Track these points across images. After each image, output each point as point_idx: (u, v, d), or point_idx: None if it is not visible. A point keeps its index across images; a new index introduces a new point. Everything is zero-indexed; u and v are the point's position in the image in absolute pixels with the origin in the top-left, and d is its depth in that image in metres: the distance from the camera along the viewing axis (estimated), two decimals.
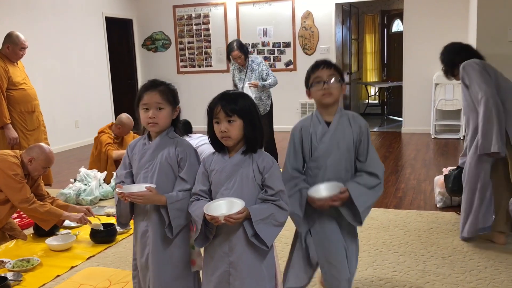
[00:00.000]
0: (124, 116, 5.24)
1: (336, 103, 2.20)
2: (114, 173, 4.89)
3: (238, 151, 1.95)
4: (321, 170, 2.18)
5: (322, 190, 2.11)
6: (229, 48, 5.26)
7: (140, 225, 2.15)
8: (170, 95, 2.08)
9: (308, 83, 2.22)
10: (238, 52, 5.18)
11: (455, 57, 3.32)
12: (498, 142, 3.01)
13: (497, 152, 3.03)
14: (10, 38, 4.53)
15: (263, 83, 5.30)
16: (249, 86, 5.21)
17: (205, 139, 4.25)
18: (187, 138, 4.03)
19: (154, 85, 2.08)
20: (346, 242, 2.24)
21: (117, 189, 2.03)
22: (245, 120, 1.90)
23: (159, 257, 2.08)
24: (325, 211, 2.17)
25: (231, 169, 1.92)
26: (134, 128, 5.32)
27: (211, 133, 1.96)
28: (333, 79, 2.15)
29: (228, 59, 5.41)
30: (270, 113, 5.54)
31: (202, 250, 2.06)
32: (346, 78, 9.19)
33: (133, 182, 2.15)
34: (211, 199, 1.95)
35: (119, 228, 3.76)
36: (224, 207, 1.86)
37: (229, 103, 1.89)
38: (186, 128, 4.22)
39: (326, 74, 2.16)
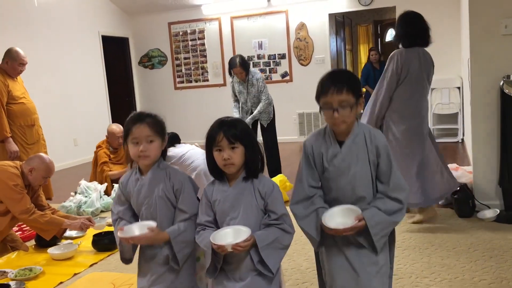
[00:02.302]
0: (113, 125, 5.33)
1: (352, 123, 1.93)
2: (115, 185, 4.90)
3: (238, 178, 1.93)
4: (332, 191, 1.97)
5: (336, 215, 1.89)
6: (231, 64, 5.29)
7: (147, 248, 2.10)
8: (158, 126, 2.05)
9: (319, 102, 1.93)
10: (240, 68, 5.23)
11: (408, 30, 3.57)
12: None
13: None
14: (10, 54, 4.57)
15: (253, 114, 5.36)
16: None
17: (190, 146, 4.25)
18: (172, 149, 4.03)
19: (141, 117, 2.03)
20: (361, 264, 1.93)
21: (119, 233, 1.98)
22: (246, 145, 1.89)
23: (165, 274, 2.06)
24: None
25: (234, 198, 1.91)
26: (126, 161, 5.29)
27: (211, 161, 1.93)
28: (345, 108, 1.85)
29: (230, 74, 5.44)
30: (273, 121, 5.58)
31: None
32: None
33: (133, 216, 2.12)
34: (217, 228, 1.94)
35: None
36: (230, 235, 1.85)
37: (230, 129, 1.87)
38: (174, 141, 4.18)
39: (337, 100, 1.84)
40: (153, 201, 2.05)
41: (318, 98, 1.91)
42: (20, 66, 4.61)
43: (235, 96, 5.50)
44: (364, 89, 7.45)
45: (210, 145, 1.91)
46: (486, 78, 3.75)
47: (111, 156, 5.33)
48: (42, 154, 3.70)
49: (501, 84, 3.64)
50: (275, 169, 5.43)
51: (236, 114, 5.34)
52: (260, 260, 1.86)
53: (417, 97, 3.59)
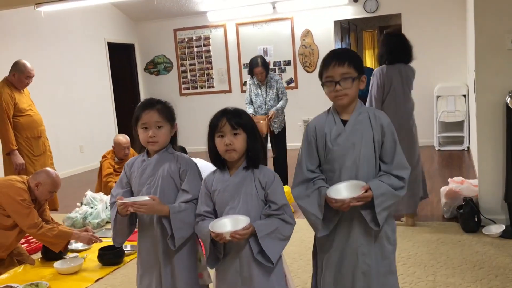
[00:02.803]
0: (119, 136, 5.34)
1: (355, 101, 1.96)
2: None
3: (239, 168, 1.95)
4: (335, 173, 1.95)
5: (342, 190, 1.88)
6: (253, 63, 5.29)
7: (146, 242, 2.15)
8: (168, 113, 2.11)
9: (321, 79, 1.97)
10: (262, 68, 5.25)
11: (389, 48, 3.91)
12: None
13: None
14: (17, 66, 4.60)
15: (276, 107, 5.37)
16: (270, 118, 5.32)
17: (198, 160, 4.27)
18: None
19: (151, 104, 2.10)
20: (368, 267, 1.95)
21: (118, 200, 2.01)
22: (248, 133, 1.92)
23: (168, 273, 2.09)
24: (346, 214, 1.93)
25: (234, 187, 1.93)
26: (131, 146, 5.32)
27: (212, 149, 1.96)
28: (347, 79, 1.88)
29: (250, 74, 5.41)
30: (284, 130, 5.58)
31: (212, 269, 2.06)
32: None
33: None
34: (216, 218, 1.95)
35: (127, 249, 3.77)
36: (229, 224, 1.86)
37: (234, 117, 1.91)
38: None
39: (338, 73, 1.89)
40: (156, 180, 2.08)
41: (320, 74, 1.96)
42: (27, 79, 4.64)
43: (251, 99, 5.46)
44: None
45: (212, 132, 1.94)
46: (492, 93, 3.74)
47: (116, 166, 5.35)
48: (49, 169, 3.72)
49: (506, 99, 3.63)
50: (282, 179, 5.43)
51: (249, 111, 5.31)
52: (259, 251, 1.87)
53: (401, 103, 3.91)
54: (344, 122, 1.94)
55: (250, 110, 5.33)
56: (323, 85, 1.96)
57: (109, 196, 4.95)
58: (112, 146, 5.36)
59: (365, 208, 1.89)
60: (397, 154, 1.94)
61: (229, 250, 1.93)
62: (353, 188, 1.87)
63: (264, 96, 5.36)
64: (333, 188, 1.89)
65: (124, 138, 5.29)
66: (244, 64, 8.79)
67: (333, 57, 1.91)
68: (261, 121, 5.27)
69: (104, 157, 5.36)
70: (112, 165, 5.29)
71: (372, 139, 1.92)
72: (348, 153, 1.92)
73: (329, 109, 2.01)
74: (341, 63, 1.89)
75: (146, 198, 2.00)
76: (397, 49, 3.88)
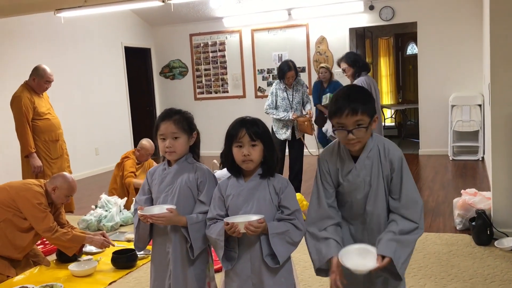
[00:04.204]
0: (145, 140, 5.44)
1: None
2: (134, 199, 4.98)
3: (254, 175, 2.00)
4: (347, 204, 1.95)
5: (354, 256, 1.81)
6: (285, 68, 5.30)
7: (160, 247, 2.20)
8: (185, 123, 2.16)
9: (331, 120, 1.88)
10: (293, 72, 5.31)
11: (358, 63, 4.69)
12: None
13: None
14: (37, 71, 4.70)
15: (309, 108, 5.48)
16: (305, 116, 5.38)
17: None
18: None
19: (169, 115, 2.16)
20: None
21: (139, 211, 2.09)
22: (265, 144, 1.97)
23: (178, 278, 2.14)
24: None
25: (248, 193, 1.97)
26: (155, 154, 5.43)
27: (229, 158, 2.01)
28: (360, 128, 1.81)
29: (281, 78, 5.39)
30: (304, 136, 5.61)
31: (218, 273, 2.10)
32: None
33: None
34: None
35: (140, 253, 3.83)
36: (242, 221, 1.89)
37: (253, 127, 1.95)
38: None
39: (351, 122, 1.80)
40: (175, 189, 2.14)
41: (331, 115, 1.85)
42: (47, 83, 4.73)
43: (276, 104, 5.42)
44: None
45: (230, 141, 1.98)
46: (506, 106, 3.73)
47: (137, 165, 5.46)
48: (66, 173, 3.79)
49: None
50: (296, 187, 5.46)
51: (281, 114, 5.33)
52: (269, 253, 1.91)
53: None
54: (355, 158, 1.91)
55: (281, 114, 5.33)
56: (333, 129, 1.89)
57: (123, 199, 5.08)
58: (137, 149, 5.45)
59: (383, 271, 1.84)
60: (403, 187, 1.87)
61: (241, 253, 1.97)
62: (365, 253, 1.83)
63: (291, 100, 5.41)
64: (344, 251, 1.83)
65: (149, 144, 5.38)
66: (258, 70, 8.84)
67: (346, 103, 1.80)
68: (306, 123, 5.33)
69: (126, 157, 5.45)
70: (134, 165, 5.39)
71: (381, 175, 1.89)
72: (359, 188, 1.91)
73: (338, 143, 1.95)
74: (354, 112, 1.79)
75: (165, 209, 2.05)
76: (361, 62, 4.80)
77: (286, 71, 5.28)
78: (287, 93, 5.39)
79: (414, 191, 1.88)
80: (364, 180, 1.89)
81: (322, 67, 7.14)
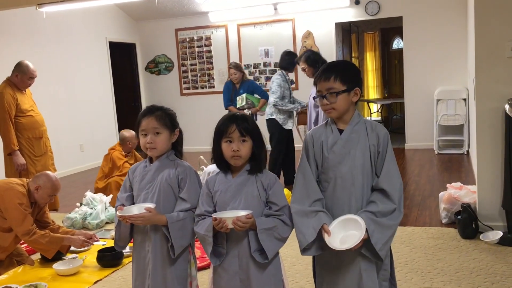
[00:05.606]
0: (124, 131, 5.45)
1: (350, 111, 1.96)
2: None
3: (242, 171, 1.99)
4: (330, 183, 1.94)
5: (337, 233, 1.86)
6: (294, 59, 5.37)
7: (140, 246, 2.18)
8: (167, 119, 2.13)
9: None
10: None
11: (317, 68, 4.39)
12: None
13: None
14: (20, 67, 4.61)
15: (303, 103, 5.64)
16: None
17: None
18: None
19: (151, 111, 2.14)
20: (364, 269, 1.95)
21: (117, 212, 2.07)
22: (255, 140, 1.97)
23: (158, 278, 2.11)
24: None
25: (236, 188, 1.97)
26: (138, 150, 5.39)
27: (217, 153, 2.00)
28: (331, 94, 1.90)
29: (288, 70, 5.52)
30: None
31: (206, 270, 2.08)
32: None
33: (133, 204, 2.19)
34: None
35: (126, 251, 3.79)
36: (231, 216, 1.89)
37: (243, 123, 1.95)
38: None
39: (325, 88, 1.93)
40: (155, 187, 2.11)
41: (315, 85, 2.01)
42: (30, 80, 4.65)
43: (282, 96, 5.41)
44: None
45: (219, 137, 1.98)
46: (491, 100, 3.75)
47: (127, 155, 5.45)
48: (49, 172, 3.73)
49: (505, 107, 3.65)
50: (288, 180, 5.59)
51: (290, 106, 5.42)
52: (257, 249, 1.92)
53: None
54: (341, 132, 1.96)
55: (290, 106, 5.41)
56: (315, 96, 2.03)
57: (109, 196, 5.02)
58: (119, 143, 5.46)
59: (364, 248, 1.89)
60: (385, 165, 1.91)
61: (228, 250, 1.96)
62: (347, 224, 1.87)
63: (291, 91, 5.58)
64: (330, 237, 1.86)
65: (129, 133, 5.36)
66: (245, 65, 8.80)
67: (322, 71, 1.96)
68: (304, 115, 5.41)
69: (112, 149, 5.41)
70: (122, 155, 5.36)
71: (368, 148, 1.92)
72: (344, 161, 1.92)
73: (327, 121, 2.03)
74: (327, 78, 1.93)
75: (143, 209, 2.03)
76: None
77: (296, 64, 5.34)
78: (288, 85, 5.46)
79: (395, 169, 1.94)
80: (349, 151, 1.92)
81: (231, 67, 6.06)
